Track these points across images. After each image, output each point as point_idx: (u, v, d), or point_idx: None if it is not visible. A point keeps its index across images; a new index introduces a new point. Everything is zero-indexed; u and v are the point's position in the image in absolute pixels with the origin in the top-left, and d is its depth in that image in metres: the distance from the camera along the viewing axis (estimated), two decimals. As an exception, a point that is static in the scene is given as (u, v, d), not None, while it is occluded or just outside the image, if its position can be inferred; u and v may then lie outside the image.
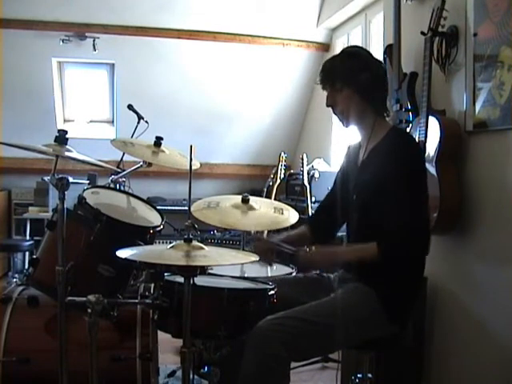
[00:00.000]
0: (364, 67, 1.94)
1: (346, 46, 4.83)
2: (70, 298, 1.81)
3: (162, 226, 2.22)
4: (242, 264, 2.29)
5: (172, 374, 2.90)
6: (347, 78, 1.94)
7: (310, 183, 3.83)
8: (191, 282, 1.61)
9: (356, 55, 1.99)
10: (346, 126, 2.04)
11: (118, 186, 2.65)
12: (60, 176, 1.86)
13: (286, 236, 2.21)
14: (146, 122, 3.93)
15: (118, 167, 3.13)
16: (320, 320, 1.79)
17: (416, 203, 1.82)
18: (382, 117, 2.02)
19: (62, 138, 2.04)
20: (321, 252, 2.05)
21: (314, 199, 3.83)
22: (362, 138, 2.05)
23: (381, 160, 1.92)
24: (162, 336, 2.00)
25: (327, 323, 1.79)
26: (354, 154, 2.11)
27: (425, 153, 2.55)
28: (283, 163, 3.95)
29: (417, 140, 2.58)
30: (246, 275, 2.26)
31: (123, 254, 1.64)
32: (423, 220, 1.85)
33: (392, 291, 1.85)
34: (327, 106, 2.04)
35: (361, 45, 4.48)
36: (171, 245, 1.66)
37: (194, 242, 1.65)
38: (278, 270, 2.49)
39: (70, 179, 1.87)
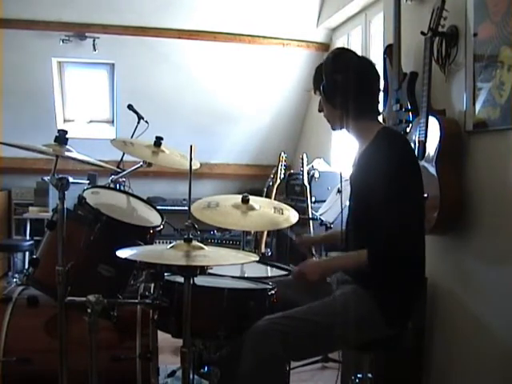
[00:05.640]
0: (321, 75, 1.96)
1: (345, 46, 4.86)
2: (69, 298, 1.81)
3: (161, 226, 2.22)
4: (242, 264, 2.29)
5: (172, 373, 2.90)
6: (317, 85, 2.01)
7: (310, 183, 3.83)
8: (191, 281, 1.61)
9: (324, 62, 1.98)
10: (333, 130, 2.08)
11: (118, 185, 2.65)
12: (60, 176, 1.86)
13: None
14: (146, 121, 3.93)
15: (118, 167, 3.13)
16: (318, 319, 1.79)
17: (404, 206, 1.80)
18: (368, 119, 1.98)
19: (61, 138, 2.04)
20: (315, 263, 2.04)
21: (314, 199, 3.83)
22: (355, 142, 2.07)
23: (368, 165, 1.92)
24: (162, 336, 2.00)
25: (325, 323, 1.79)
26: (354, 159, 2.12)
27: (424, 153, 2.56)
28: (283, 163, 3.95)
29: (417, 140, 2.59)
30: (245, 275, 2.26)
31: (123, 254, 1.64)
32: (413, 222, 1.83)
33: (389, 295, 1.84)
34: (318, 111, 2.10)
35: (361, 45, 4.49)
36: (171, 245, 1.66)
37: (194, 242, 1.66)
38: (278, 270, 2.48)
39: (70, 179, 1.87)
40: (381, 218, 1.79)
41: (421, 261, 1.92)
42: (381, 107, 2.16)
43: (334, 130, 2.08)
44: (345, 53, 2.03)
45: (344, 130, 2.03)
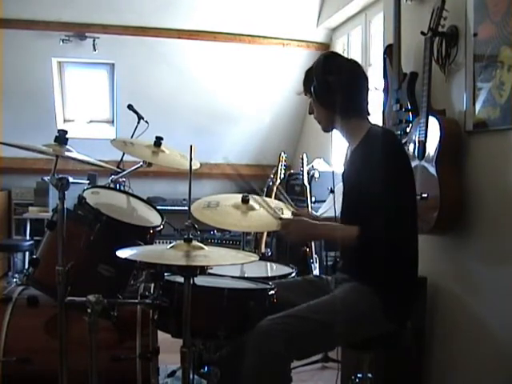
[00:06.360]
0: (313, 78, 1.99)
1: (345, 46, 4.86)
2: (69, 297, 1.81)
3: (161, 226, 2.22)
4: (242, 264, 2.29)
5: (172, 373, 2.90)
6: (307, 87, 2.04)
7: (310, 183, 3.83)
8: (191, 281, 1.61)
9: (315, 64, 2.03)
10: (324, 131, 2.11)
11: (118, 185, 2.64)
12: (60, 176, 1.86)
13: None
14: (146, 121, 3.93)
15: (118, 167, 3.12)
16: (319, 317, 1.81)
17: (402, 203, 1.85)
18: (359, 119, 2.02)
19: (61, 138, 2.04)
20: (303, 223, 1.98)
21: (314, 199, 3.83)
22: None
23: (360, 163, 1.96)
24: (162, 336, 2.00)
25: (326, 321, 1.81)
26: (345, 157, 2.16)
27: (424, 152, 2.56)
28: (283, 163, 3.95)
29: (417, 140, 2.59)
30: (245, 275, 2.26)
31: (123, 254, 1.64)
32: (407, 216, 1.87)
33: (387, 290, 1.87)
34: (309, 113, 2.12)
35: (361, 45, 4.49)
36: (171, 245, 1.66)
37: (194, 242, 1.65)
38: (278, 269, 2.49)
39: (70, 179, 1.87)
40: (376, 212, 1.82)
41: (415, 257, 1.96)
42: (377, 108, 2.18)
43: (325, 131, 2.12)
44: (335, 56, 2.10)
45: (335, 131, 2.08)
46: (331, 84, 1.96)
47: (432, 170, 2.51)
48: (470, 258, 2.52)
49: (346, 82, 1.96)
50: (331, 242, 1.94)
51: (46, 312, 2.14)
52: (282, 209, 2.17)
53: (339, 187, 2.28)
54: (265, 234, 4.12)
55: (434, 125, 2.52)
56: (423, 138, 2.56)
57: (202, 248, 1.65)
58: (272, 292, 1.89)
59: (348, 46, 4.83)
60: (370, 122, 2.05)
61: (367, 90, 2.05)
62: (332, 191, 3.15)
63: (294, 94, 5.46)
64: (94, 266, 1.99)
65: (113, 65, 5.33)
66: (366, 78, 2.04)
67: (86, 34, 4.91)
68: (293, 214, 2.13)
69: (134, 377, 2.10)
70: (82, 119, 5.71)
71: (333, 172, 2.95)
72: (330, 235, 1.97)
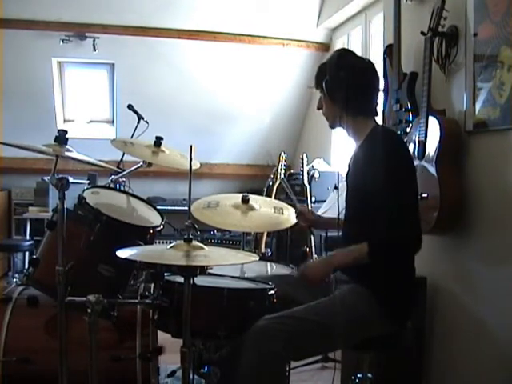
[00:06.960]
0: (326, 72, 2.01)
1: (345, 45, 4.86)
2: (69, 297, 1.81)
3: (161, 226, 2.22)
4: (242, 264, 2.29)
5: (172, 373, 2.90)
6: (319, 82, 2.05)
7: (310, 183, 3.82)
8: (191, 281, 1.61)
9: (326, 61, 2.05)
10: (331, 127, 2.12)
11: (117, 185, 2.64)
12: (60, 176, 1.86)
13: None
14: (146, 121, 3.93)
15: (118, 167, 3.12)
16: (318, 319, 1.80)
17: (404, 202, 1.85)
18: (366, 117, 2.03)
19: (61, 138, 2.04)
20: (316, 262, 2.08)
21: (314, 199, 3.83)
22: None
23: (363, 161, 1.97)
24: (162, 336, 2.00)
25: (325, 322, 1.80)
26: (350, 158, 2.16)
27: (424, 152, 2.56)
28: (283, 163, 3.95)
29: (417, 140, 2.59)
30: (245, 275, 2.26)
31: (123, 254, 1.64)
32: (412, 218, 1.87)
33: (386, 291, 1.86)
34: (317, 108, 2.14)
35: (361, 45, 4.49)
36: (171, 245, 1.66)
37: (194, 242, 1.65)
38: (278, 269, 2.49)
39: (70, 179, 1.87)
40: (379, 212, 1.82)
41: (413, 257, 1.95)
42: (380, 108, 2.19)
43: (331, 127, 2.12)
44: (349, 53, 2.11)
45: (339, 129, 2.09)
46: (343, 80, 1.96)
47: (432, 169, 2.51)
48: (470, 258, 2.52)
49: (357, 80, 1.98)
50: (348, 266, 1.94)
51: (46, 312, 2.14)
52: (282, 209, 2.18)
53: (342, 186, 2.29)
54: (265, 233, 4.12)
55: (434, 125, 2.52)
56: (423, 138, 2.56)
57: (202, 248, 1.65)
58: (272, 292, 1.89)
59: (348, 46, 4.83)
60: (375, 122, 2.05)
61: (377, 90, 2.07)
62: (336, 187, 3.16)
63: (294, 94, 5.47)
64: (94, 266, 1.99)
65: (113, 65, 5.32)
66: (377, 79, 2.05)
67: (86, 34, 4.91)
68: (296, 212, 2.14)
69: (134, 377, 2.10)
70: (81, 119, 5.71)
71: (338, 172, 2.95)
72: (344, 262, 1.95)
